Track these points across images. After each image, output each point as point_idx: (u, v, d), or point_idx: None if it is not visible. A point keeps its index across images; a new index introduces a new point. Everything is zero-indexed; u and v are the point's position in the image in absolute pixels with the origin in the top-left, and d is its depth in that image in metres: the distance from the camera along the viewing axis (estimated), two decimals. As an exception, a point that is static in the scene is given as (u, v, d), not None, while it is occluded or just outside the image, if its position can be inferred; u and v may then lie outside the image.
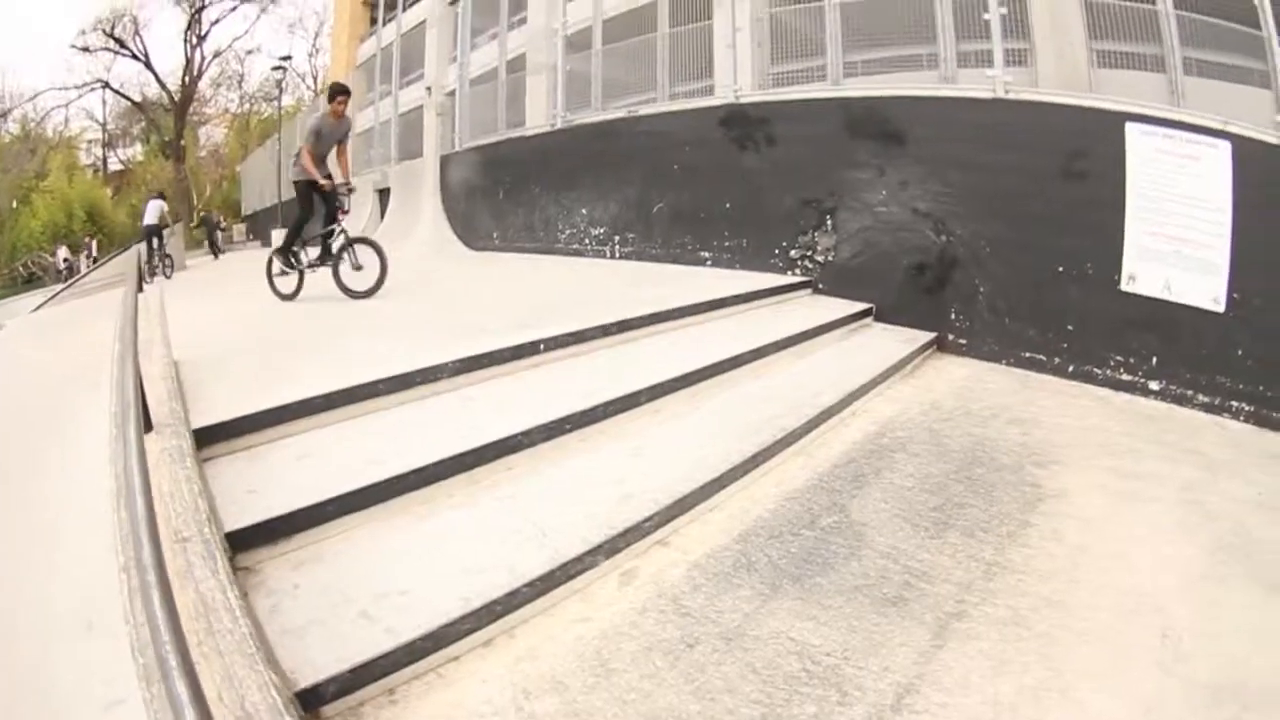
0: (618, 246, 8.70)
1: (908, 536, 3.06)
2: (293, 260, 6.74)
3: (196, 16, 35.67)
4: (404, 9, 20.56)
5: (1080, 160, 5.94)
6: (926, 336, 6.09)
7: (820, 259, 6.83)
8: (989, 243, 6.13)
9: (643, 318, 5.05)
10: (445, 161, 12.69)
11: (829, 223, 6.81)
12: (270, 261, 6.94)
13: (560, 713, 1.99)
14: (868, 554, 2.89)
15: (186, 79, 36.84)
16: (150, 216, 14.99)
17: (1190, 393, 5.44)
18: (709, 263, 7.69)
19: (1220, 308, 5.51)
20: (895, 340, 5.95)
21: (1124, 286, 5.74)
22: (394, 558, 2.46)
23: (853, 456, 3.91)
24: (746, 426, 3.77)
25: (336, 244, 6.44)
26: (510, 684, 2.09)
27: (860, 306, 6.39)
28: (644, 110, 9.00)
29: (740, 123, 7.55)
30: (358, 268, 6.33)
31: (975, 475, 3.77)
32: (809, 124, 7.06)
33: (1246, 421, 5.14)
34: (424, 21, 18.40)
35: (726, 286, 6.23)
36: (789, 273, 6.97)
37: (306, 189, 6.40)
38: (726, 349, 4.69)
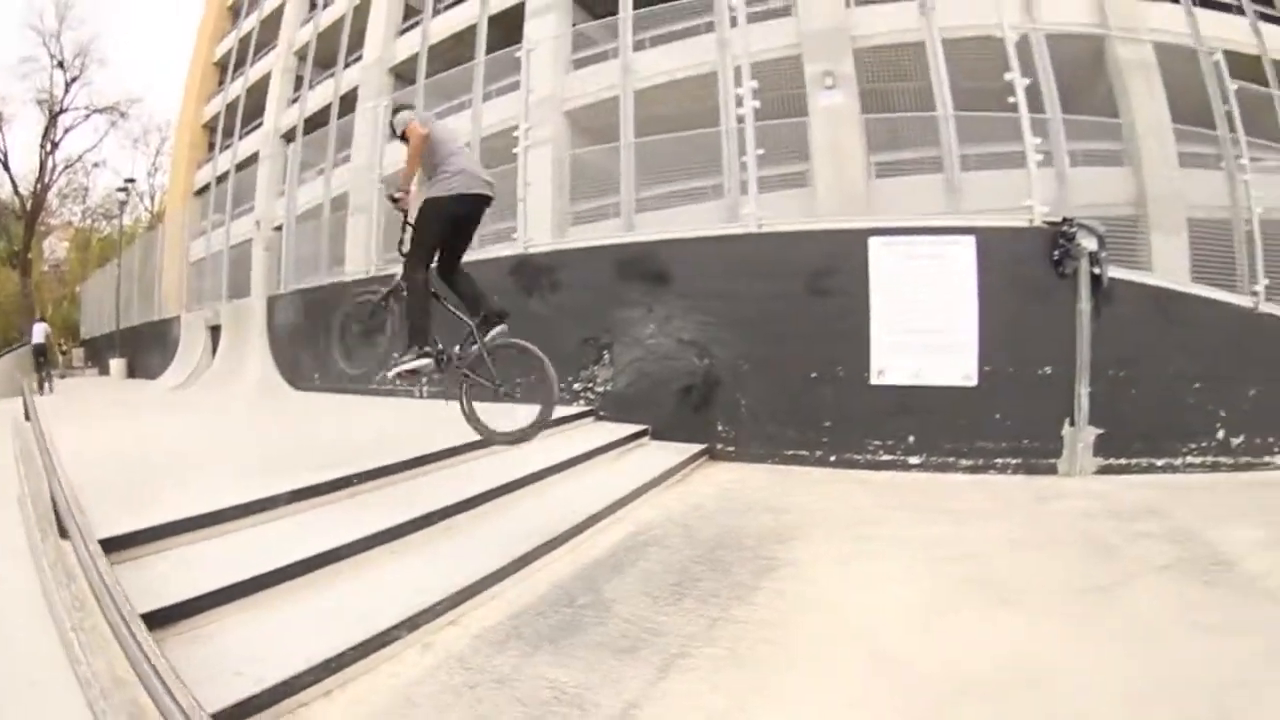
0: (425, 387, 9.18)
1: (648, 606, 3.81)
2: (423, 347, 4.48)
3: (53, 121, 34.82)
4: (239, 138, 20.99)
5: (827, 278, 6.99)
6: (696, 449, 6.97)
7: (600, 389, 7.62)
8: (747, 361, 7.05)
9: (439, 452, 5.69)
10: (272, 303, 12.98)
11: (606, 356, 7.62)
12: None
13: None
14: (613, 621, 3.62)
15: (39, 186, 35.63)
16: (38, 336, 18.56)
17: (952, 459, 6.43)
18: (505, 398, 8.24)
19: (973, 382, 6.58)
20: (666, 455, 6.77)
21: (874, 381, 6.71)
22: (257, 634, 3.19)
23: (614, 552, 4.67)
24: (523, 534, 4.51)
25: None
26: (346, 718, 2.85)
27: (636, 428, 7.19)
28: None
29: (529, 271, 8.42)
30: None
31: (718, 556, 4.57)
32: (588, 269, 7.98)
33: (1015, 474, 6.15)
34: (257, 153, 18.86)
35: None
36: (574, 404, 7.69)
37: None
38: (511, 474, 5.40)
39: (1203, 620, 3.45)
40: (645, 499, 5.81)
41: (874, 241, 6.99)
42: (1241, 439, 7.23)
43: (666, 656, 3.21)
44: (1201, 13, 11.91)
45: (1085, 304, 7.03)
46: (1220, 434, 7.27)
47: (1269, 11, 12.32)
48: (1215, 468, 7.16)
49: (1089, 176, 10.09)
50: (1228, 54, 9.58)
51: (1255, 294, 7.95)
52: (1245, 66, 10.71)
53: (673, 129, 9.72)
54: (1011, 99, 7.67)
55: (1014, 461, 6.41)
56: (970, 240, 6.93)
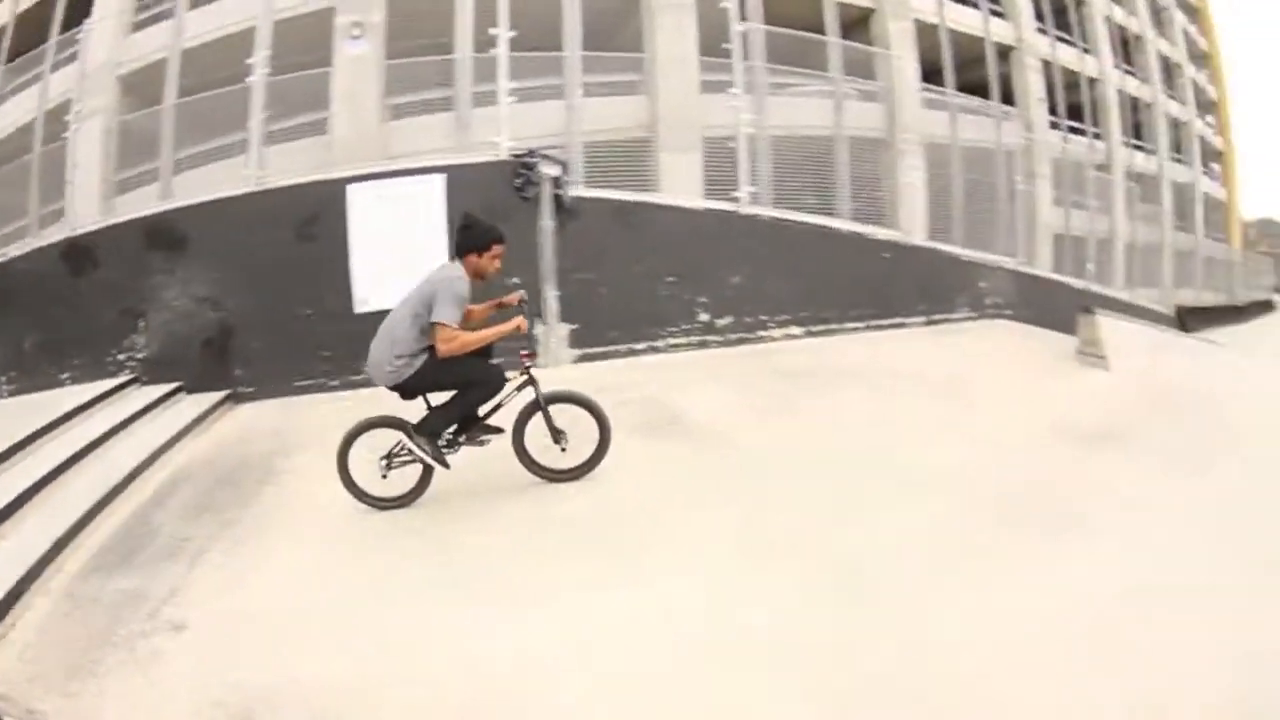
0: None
1: (183, 525, 5.09)
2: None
3: None
4: None
5: (314, 225, 8.28)
6: (220, 395, 8.18)
7: (140, 356, 8.48)
8: (255, 309, 8.28)
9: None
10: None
11: (141, 324, 8.49)
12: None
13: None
14: (160, 539, 4.87)
15: None
16: None
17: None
18: (69, 381, 8.72)
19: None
20: (196, 405, 7.91)
21: (358, 310, 8.16)
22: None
23: (158, 491, 5.84)
24: (88, 494, 5.45)
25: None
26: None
27: (171, 386, 8.21)
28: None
29: (76, 253, 8.84)
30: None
31: (235, 478, 6.00)
32: (123, 242, 8.65)
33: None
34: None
35: (68, 403, 7.45)
36: (120, 374, 8.48)
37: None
38: (76, 448, 6.17)
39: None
40: (180, 446, 6.92)
41: (352, 188, 8.40)
42: (729, 319, 9.44)
43: (194, 555, 4.60)
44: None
45: (548, 221, 8.85)
46: (704, 317, 9.43)
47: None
48: (704, 345, 9.33)
49: (608, 107, 11.86)
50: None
51: (737, 199, 10.22)
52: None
53: (226, 86, 10.43)
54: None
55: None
56: (440, 178, 8.50)
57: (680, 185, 11.31)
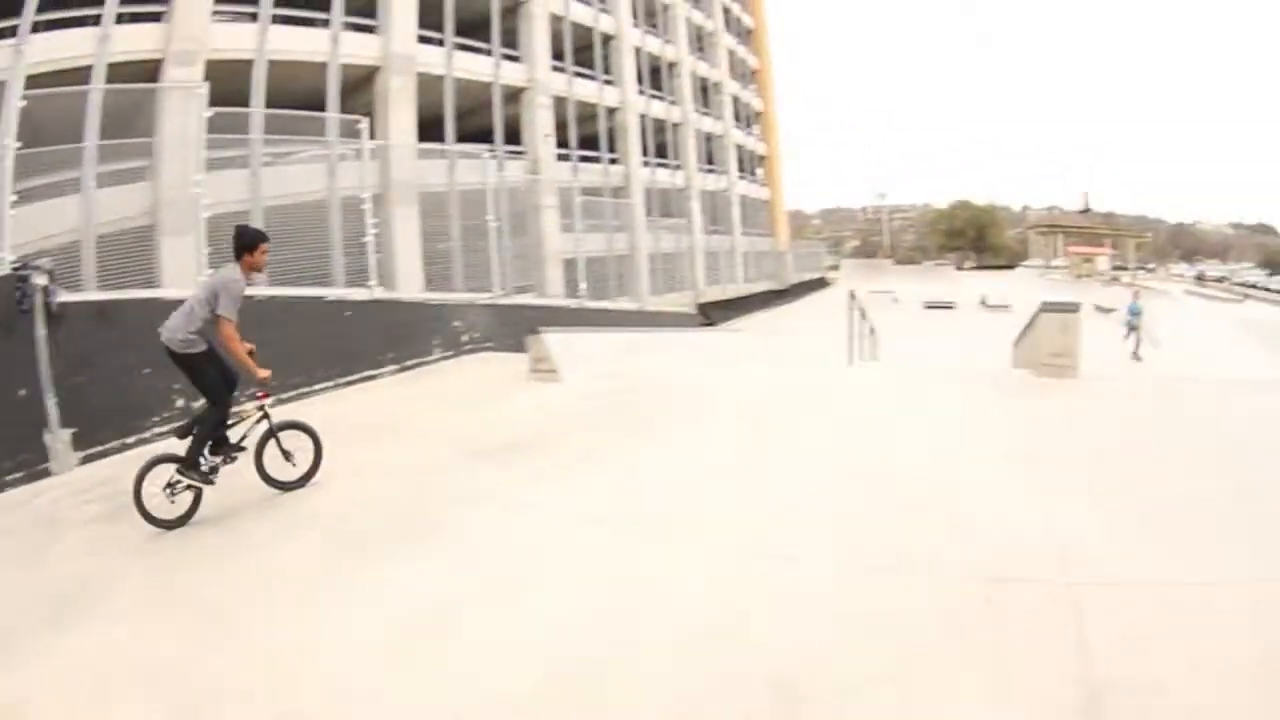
0: None
1: None
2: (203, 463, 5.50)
3: None
4: None
5: None
6: None
7: None
8: None
9: None
10: None
11: None
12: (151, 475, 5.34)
13: None
14: None
15: None
16: None
17: None
18: None
19: None
20: None
21: None
22: None
23: None
24: None
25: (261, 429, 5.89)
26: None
27: None
28: None
29: None
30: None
31: None
32: None
33: (17, 486, 7.36)
34: None
35: None
36: None
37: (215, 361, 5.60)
38: None
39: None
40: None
41: None
42: (203, 401, 9.73)
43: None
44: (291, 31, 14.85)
45: (42, 330, 8.78)
46: (180, 402, 9.70)
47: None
48: (186, 430, 9.63)
49: (116, 196, 11.67)
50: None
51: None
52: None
53: None
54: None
55: (16, 476, 7.77)
56: None
57: (181, 269, 11.54)
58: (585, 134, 23.16)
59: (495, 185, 15.60)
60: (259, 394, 5.89)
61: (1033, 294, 30.39)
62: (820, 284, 44.05)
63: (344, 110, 15.89)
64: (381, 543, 4.58)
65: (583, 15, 24.09)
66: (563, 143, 21.70)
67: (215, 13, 14.45)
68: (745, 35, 42.99)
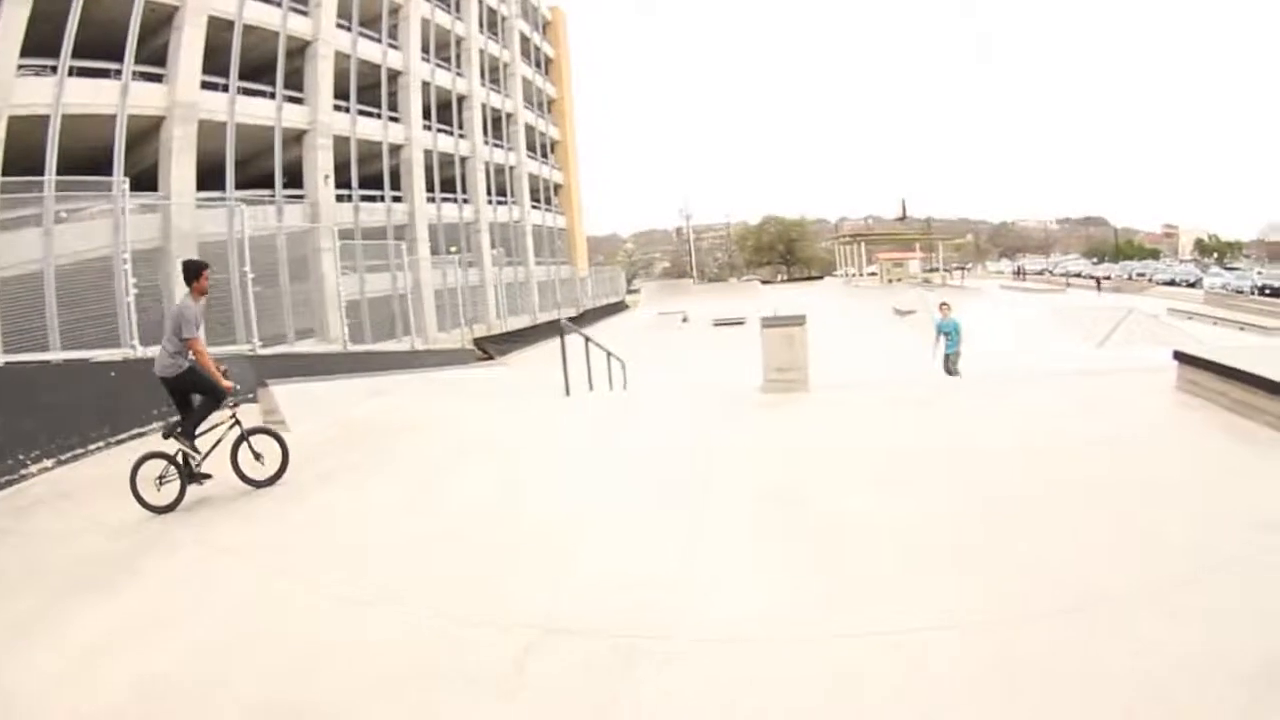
0: None
1: None
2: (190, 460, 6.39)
3: None
4: None
5: None
6: None
7: None
8: None
9: None
10: None
11: None
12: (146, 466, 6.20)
13: None
14: None
15: None
16: None
17: None
18: None
19: None
20: None
21: None
22: None
23: None
24: None
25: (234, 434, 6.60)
26: None
27: None
28: None
29: None
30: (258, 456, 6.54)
31: None
32: None
33: None
34: None
35: None
36: None
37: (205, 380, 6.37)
38: None
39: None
40: None
41: None
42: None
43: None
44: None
45: None
46: None
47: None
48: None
49: None
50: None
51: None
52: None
53: None
54: None
55: None
56: None
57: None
58: (370, 172, 24.15)
59: (241, 234, 15.57)
60: (230, 404, 6.67)
61: (831, 304, 33.15)
62: (620, 307, 45.92)
63: (131, 161, 16.39)
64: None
65: (371, 52, 25.03)
66: (346, 183, 22.67)
67: (20, 66, 14.66)
68: (545, 65, 44.84)
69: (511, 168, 35.94)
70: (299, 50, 22.01)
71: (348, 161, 22.85)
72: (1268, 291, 36.61)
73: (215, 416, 6.53)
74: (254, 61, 19.99)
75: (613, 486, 5.68)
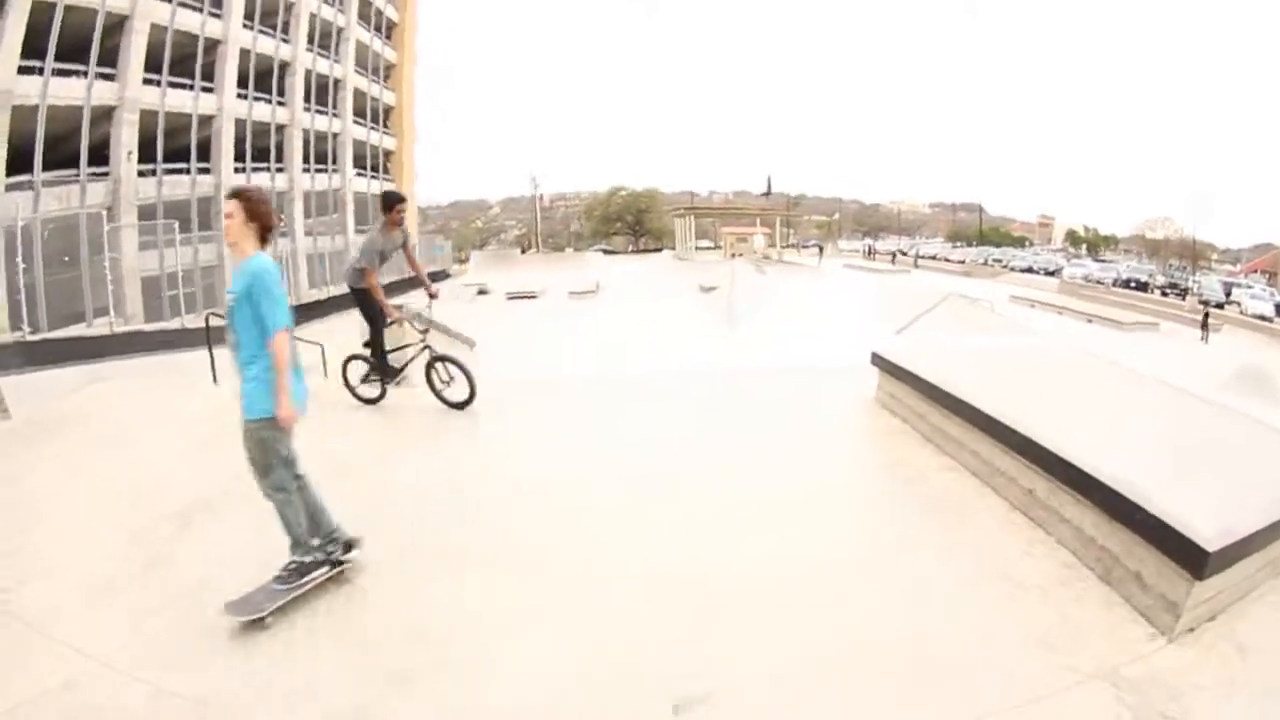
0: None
1: None
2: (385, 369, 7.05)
3: None
4: None
5: None
6: None
7: None
8: None
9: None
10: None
11: None
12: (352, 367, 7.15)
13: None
14: None
15: None
16: None
17: None
18: None
19: None
20: None
21: None
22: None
23: None
24: None
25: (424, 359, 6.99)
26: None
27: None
28: None
29: None
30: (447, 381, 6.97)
31: None
32: None
33: None
34: None
35: None
36: None
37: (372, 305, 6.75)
38: None
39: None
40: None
41: None
42: None
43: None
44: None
45: None
46: None
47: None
48: None
49: None
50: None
51: None
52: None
53: None
54: None
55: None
56: None
57: None
58: (178, 145, 25.78)
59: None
60: (420, 330, 7.16)
61: (652, 277, 31.92)
62: (442, 276, 47.60)
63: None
64: None
65: (189, 22, 26.15)
66: (151, 157, 24.30)
67: None
68: (387, 29, 45.24)
69: (335, 134, 37.52)
70: (117, 25, 23.08)
71: (154, 136, 24.48)
72: (1133, 285, 38.12)
73: (403, 338, 7.21)
74: (71, 40, 21.08)
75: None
